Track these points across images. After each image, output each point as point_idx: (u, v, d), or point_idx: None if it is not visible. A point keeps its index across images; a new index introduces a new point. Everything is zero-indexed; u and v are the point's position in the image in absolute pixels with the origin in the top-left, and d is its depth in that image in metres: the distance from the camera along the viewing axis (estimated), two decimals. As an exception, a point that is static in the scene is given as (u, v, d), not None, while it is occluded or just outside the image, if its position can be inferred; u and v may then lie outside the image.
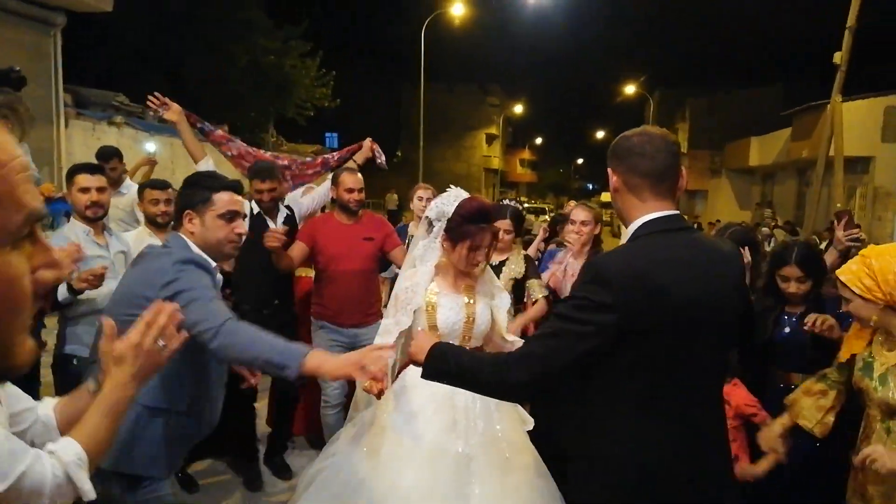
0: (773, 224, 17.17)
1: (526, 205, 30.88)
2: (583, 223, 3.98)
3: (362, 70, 42.49)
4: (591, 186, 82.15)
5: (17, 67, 3.21)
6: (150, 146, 11.73)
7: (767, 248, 6.75)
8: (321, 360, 2.07)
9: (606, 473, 1.72)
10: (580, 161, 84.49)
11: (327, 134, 34.08)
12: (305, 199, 4.66)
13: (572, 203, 9.64)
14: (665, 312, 1.62)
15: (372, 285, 4.25)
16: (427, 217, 2.83)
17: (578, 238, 3.97)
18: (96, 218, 3.46)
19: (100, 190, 3.45)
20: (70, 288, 3.10)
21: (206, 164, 4.18)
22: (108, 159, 5.34)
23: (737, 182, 31.96)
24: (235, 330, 2.10)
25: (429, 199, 4.60)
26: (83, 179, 3.43)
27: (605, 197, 44.62)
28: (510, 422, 2.67)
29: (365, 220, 4.23)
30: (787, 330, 2.99)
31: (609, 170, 1.82)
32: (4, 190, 0.58)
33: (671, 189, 1.76)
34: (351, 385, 3.81)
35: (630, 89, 43.32)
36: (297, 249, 4.04)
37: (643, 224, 1.75)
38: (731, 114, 35.82)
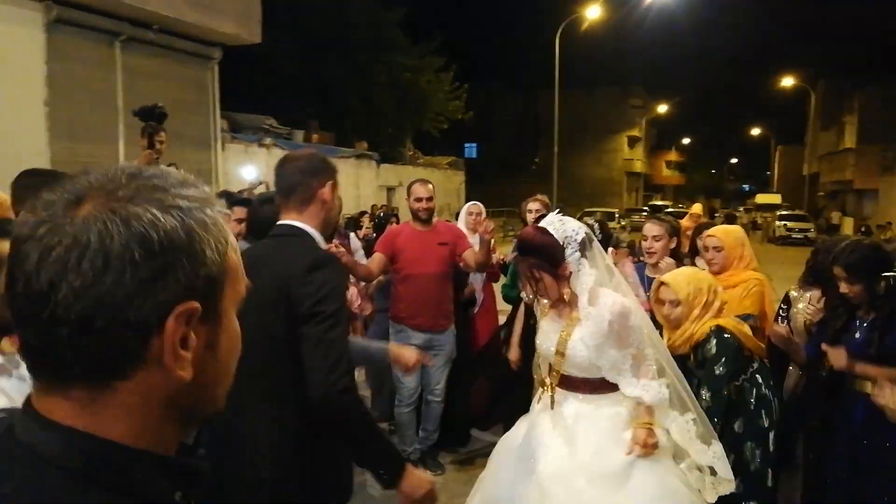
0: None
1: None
2: (654, 238, 3.87)
3: (499, 79, 42.66)
4: (746, 188, 76.94)
5: (160, 104, 3.56)
6: (251, 172, 11.31)
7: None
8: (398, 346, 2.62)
9: None
10: (734, 161, 79.73)
11: (466, 144, 34.47)
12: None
13: (698, 207, 8.67)
14: None
15: (446, 288, 4.43)
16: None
17: (650, 253, 3.89)
18: None
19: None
20: None
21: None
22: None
23: (914, 180, 28.36)
24: None
25: (538, 211, 4.59)
26: (239, 211, 3.93)
27: (760, 198, 41.62)
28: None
29: (439, 227, 4.50)
30: (857, 336, 2.89)
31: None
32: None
33: (296, 204, 2.12)
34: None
35: (788, 82, 40.06)
36: (376, 259, 4.33)
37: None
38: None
